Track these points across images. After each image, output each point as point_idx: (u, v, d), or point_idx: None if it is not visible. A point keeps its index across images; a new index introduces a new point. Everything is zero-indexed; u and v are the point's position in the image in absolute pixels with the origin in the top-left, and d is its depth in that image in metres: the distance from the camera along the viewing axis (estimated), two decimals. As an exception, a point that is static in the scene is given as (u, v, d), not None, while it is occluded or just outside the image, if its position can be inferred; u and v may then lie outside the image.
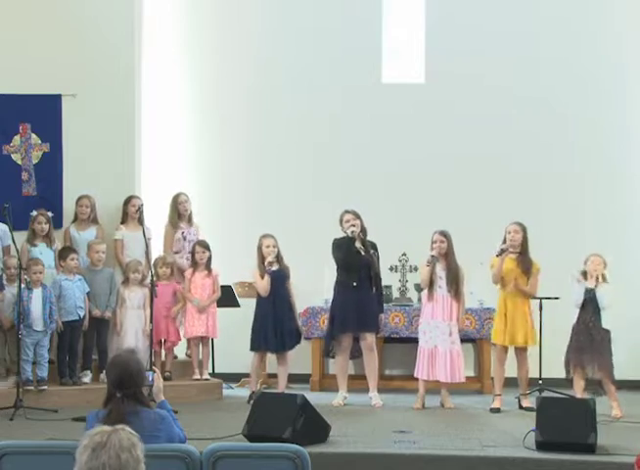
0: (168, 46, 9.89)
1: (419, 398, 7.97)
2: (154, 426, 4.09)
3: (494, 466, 5.75)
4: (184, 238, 8.94)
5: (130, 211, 8.67)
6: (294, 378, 8.80)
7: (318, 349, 9.07)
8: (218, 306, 8.79)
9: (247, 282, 8.96)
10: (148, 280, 8.32)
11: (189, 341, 8.82)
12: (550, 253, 8.85)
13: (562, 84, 9.80)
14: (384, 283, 8.92)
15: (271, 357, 8.63)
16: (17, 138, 8.90)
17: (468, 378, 9.36)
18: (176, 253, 8.93)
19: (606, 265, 7.60)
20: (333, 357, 8.55)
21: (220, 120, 9.93)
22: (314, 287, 8.99)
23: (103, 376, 7.89)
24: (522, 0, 9.97)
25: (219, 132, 9.94)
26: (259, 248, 8.22)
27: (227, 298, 9.02)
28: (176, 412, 4.65)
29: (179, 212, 8.96)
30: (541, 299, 8.38)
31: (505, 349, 7.97)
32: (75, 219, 8.63)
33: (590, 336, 7.48)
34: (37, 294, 7.77)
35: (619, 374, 7.67)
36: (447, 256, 7.99)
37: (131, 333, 8.30)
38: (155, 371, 4.59)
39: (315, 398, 7.37)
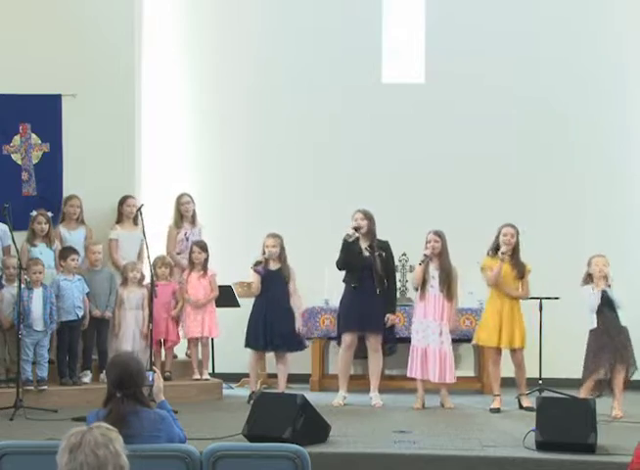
0: (168, 46, 9.89)
1: (419, 398, 7.97)
2: (154, 426, 4.09)
3: (494, 466, 5.74)
4: (187, 239, 8.94)
5: (125, 211, 8.67)
6: (294, 378, 8.81)
7: (318, 349, 9.08)
8: (218, 306, 8.79)
9: (246, 282, 8.95)
10: (147, 280, 8.33)
11: (189, 341, 8.83)
12: (550, 253, 8.87)
13: (562, 84, 9.80)
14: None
15: (271, 357, 8.62)
16: (17, 138, 8.90)
17: (468, 378, 9.39)
18: (179, 253, 8.94)
19: (609, 265, 7.59)
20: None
21: (220, 120, 9.93)
22: (314, 287, 8.99)
23: (103, 376, 7.89)
24: (522, 0, 9.97)
25: (219, 132, 9.94)
26: (262, 246, 8.23)
27: (227, 298, 9.02)
28: (176, 412, 4.65)
29: (181, 213, 8.97)
30: (541, 299, 8.39)
31: (499, 350, 7.93)
32: (63, 219, 8.61)
33: (610, 335, 7.44)
34: (38, 294, 7.77)
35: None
36: (441, 255, 7.98)
37: (129, 333, 8.30)
38: (155, 371, 4.59)
39: (315, 398, 7.38)
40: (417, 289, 8.05)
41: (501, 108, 9.77)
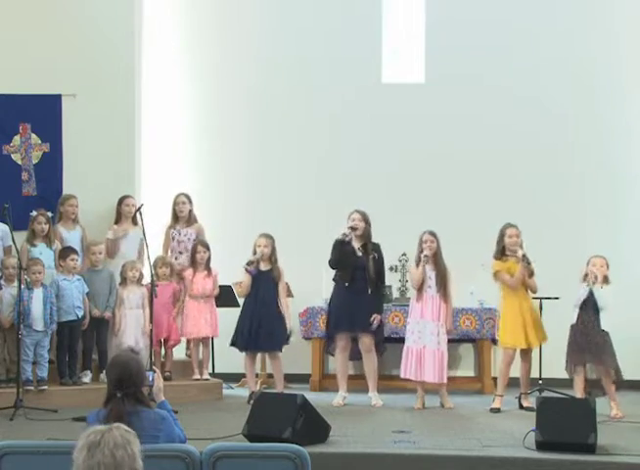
0: (168, 46, 9.89)
1: (419, 398, 7.97)
2: (154, 426, 4.09)
3: (494, 466, 5.74)
4: (172, 238, 8.95)
5: (124, 211, 8.68)
6: (293, 378, 8.81)
7: (318, 349, 9.08)
8: (218, 306, 8.80)
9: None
10: (147, 280, 8.33)
11: (189, 341, 8.83)
12: (550, 253, 8.87)
13: (562, 84, 9.80)
14: (384, 283, 9.00)
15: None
16: (17, 138, 8.91)
17: (468, 378, 9.39)
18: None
19: (608, 267, 7.59)
20: (332, 355, 8.55)
21: (220, 120, 9.93)
22: (314, 287, 8.99)
23: (103, 376, 7.89)
24: (522, 0, 9.97)
25: (219, 132, 9.94)
26: (254, 246, 8.23)
27: (227, 298, 9.01)
28: (176, 412, 4.65)
29: (176, 214, 8.98)
30: (541, 299, 8.39)
31: (515, 351, 7.93)
32: (60, 219, 8.61)
33: (588, 336, 7.47)
34: (38, 294, 7.77)
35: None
36: (436, 256, 7.98)
37: (129, 333, 8.30)
38: (155, 371, 4.59)
39: (315, 398, 7.37)
40: (416, 290, 8.03)
41: (501, 108, 9.77)
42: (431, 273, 7.97)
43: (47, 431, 6.39)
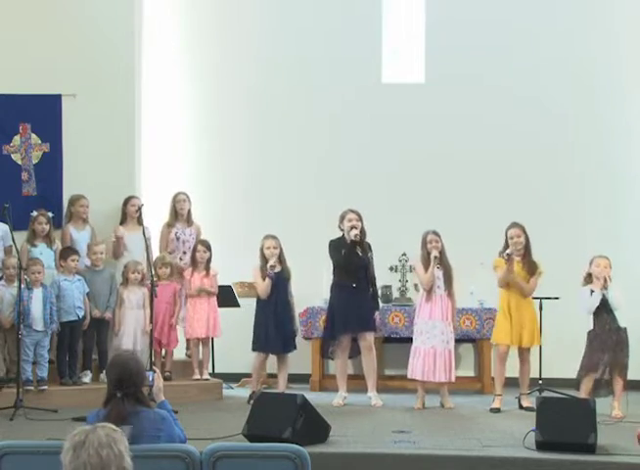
0: (168, 46, 9.89)
1: (419, 398, 7.96)
2: (154, 426, 4.09)
3: (494, 466, 5.74)
4: (177, 238, 8.95)
5: (130, 212, 8.68)
6: (294, 378, 8.80)
7: (318, 349, 9.07)
8: (218, 307, 8.79)
9: (246, 282, 8.96)
10: (148, 280, 8.32)
11: (189, 341, 8.83)
12: (550, 253, 8.84)
13: (562, 84, 9.81)
14: (384, 283, 9.02)
15: (271, 358, 8.61)
16: (17, 138, 8.91)
17: (468, 378, 9.39)
18: (170, 253, 8.94)
19: (611, 267, 7.59)
20: (331, 359, 8.56)
21: (220, 120, 9.93)
22: (314, 287, 8.99)
23: (103, 376, 7.89)
24: (522, 0, 9.97)
25: (219, 132, 9.94)
26: (261, 249, 8.21)
27: (227, 298, 9.01)
28: (176, 412, 4.65)
29: (176, 211, 8.98)
30: (541, 299, 8.39)
31: (508, 349, 7.94)
32: (71, 219, 8.62)
33: (610, 338, 7.45)
34: (38, 294, 7.77)
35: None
36: (442, 255, 7.99)
37: (130, 333, 8.30)
38: (155, 371, 4.59)
39: (315, 398, 7.38)
40: (426, 291, 7.99)
41: (501, 108, 9.78)
42: (439, 273, 7.96)
43: (47, 431, 6.38)
